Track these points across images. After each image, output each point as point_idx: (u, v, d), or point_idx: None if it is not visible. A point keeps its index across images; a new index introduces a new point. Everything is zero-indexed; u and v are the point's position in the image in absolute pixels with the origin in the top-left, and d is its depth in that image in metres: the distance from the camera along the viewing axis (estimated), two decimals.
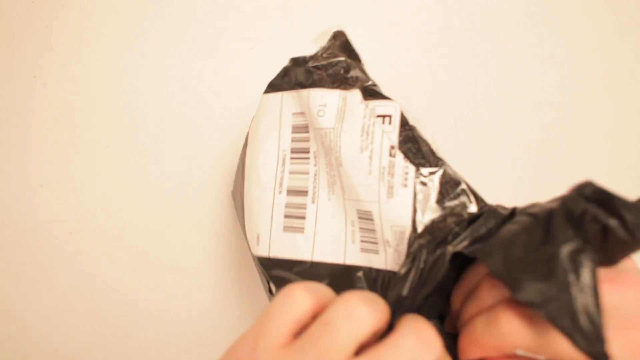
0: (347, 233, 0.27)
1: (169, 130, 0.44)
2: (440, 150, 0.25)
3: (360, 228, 0.26)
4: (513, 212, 0.23)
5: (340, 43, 0.30)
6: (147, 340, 0.39)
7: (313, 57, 0.30)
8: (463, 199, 0.24)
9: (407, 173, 0.24)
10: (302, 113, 0.29)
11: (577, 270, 0.17)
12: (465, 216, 0.23)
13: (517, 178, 0.42)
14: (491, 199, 0.43)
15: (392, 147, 0.25)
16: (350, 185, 0.26)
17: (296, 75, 0.30)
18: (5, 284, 0.40)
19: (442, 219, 0.23)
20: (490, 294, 0.20)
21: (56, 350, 0.39)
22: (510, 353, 0.19)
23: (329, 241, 0.27)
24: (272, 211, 0.29)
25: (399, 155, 0.25)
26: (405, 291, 0.21)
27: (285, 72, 0.31)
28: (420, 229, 0.23)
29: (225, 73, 0.46)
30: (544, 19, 0.46)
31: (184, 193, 0.42)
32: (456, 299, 0.23)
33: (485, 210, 0.23)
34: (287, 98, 0.30)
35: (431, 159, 0.24)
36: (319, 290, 0.19)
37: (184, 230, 0.41)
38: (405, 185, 0.24)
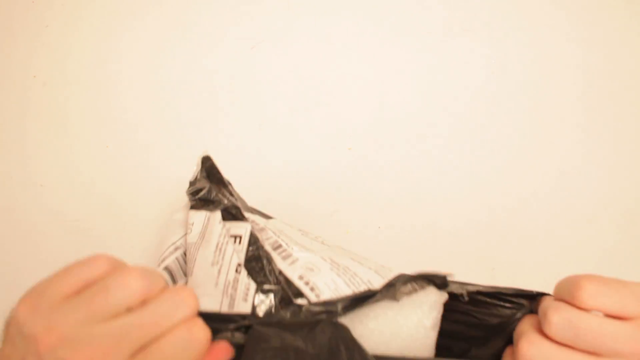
0: None
1: (169, 130, 0.44)
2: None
3: None
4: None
5: (207, 168, 0.34)
6: None
7: (191, 184, 0.35)
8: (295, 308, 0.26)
9: (248, 289, 0.27)
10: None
11: None
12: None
13: (517, 177, 0.42)
14: (490, 194, 0.42)
15: (239, 265, 0.28)
16: (197, 295, 0.28)
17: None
18: (5, 284, 0.40)
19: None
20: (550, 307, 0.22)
21: None
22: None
23: None
24: None
25: (244, 272, 0.28)
26: None
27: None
28: None
29: (225, 73, 0.46)
30: (544, 19, 0.46)
31: (184, 193, 0.42)
32: None
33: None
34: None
35: (270, 278, 0.28)
36: (109, 261, 0.22)
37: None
38: (245, 300, 0.27)
